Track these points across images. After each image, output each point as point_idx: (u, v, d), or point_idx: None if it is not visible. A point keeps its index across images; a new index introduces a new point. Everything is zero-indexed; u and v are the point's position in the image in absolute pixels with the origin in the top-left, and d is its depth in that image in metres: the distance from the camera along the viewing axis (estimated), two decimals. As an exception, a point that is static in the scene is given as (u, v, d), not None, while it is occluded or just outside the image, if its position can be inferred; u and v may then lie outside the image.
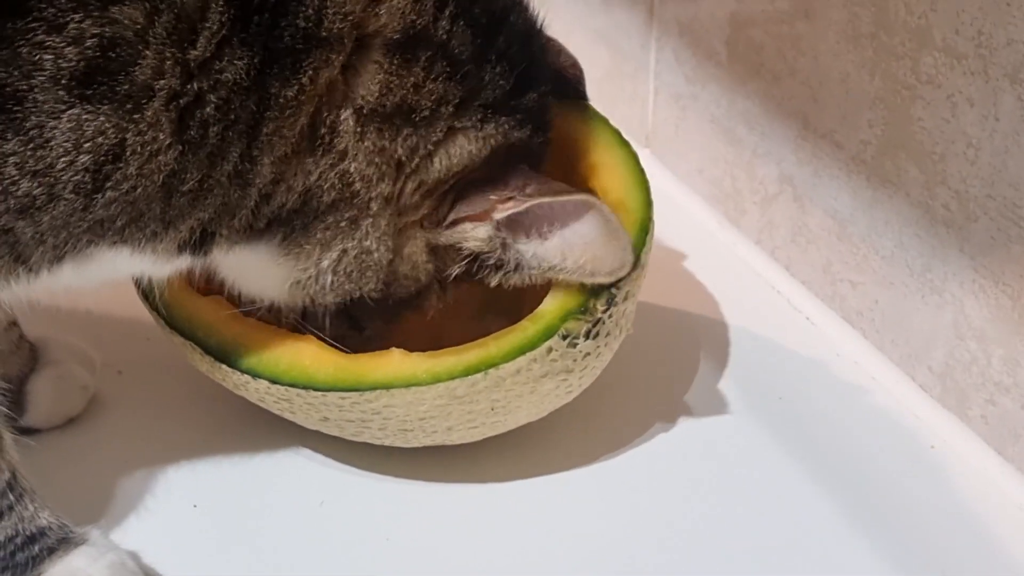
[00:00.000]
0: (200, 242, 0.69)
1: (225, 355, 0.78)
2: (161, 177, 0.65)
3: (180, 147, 0.64)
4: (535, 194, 0.71)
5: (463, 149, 0.71)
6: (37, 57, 0.61)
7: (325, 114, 0.68)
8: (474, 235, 0.72)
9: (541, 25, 0.77)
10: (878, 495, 0.81)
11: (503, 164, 0.73)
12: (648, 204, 0.81)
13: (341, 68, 0.68)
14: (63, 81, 0.61)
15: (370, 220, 0.71)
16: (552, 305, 0.76)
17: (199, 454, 0.84)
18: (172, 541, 0.77)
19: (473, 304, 0.91)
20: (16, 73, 0.61)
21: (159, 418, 0.87)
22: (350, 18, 0.67)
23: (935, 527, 0.79)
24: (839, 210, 0.94)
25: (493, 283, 0.75)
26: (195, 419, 0.86)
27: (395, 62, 0.68)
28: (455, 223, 0.72)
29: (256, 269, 0.74)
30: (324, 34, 0.66)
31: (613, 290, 0.76)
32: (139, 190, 0.65)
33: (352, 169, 0.69)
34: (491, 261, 0.74)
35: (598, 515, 0.81)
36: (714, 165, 1.08)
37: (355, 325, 0.78)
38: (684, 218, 1.09)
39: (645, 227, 0.80)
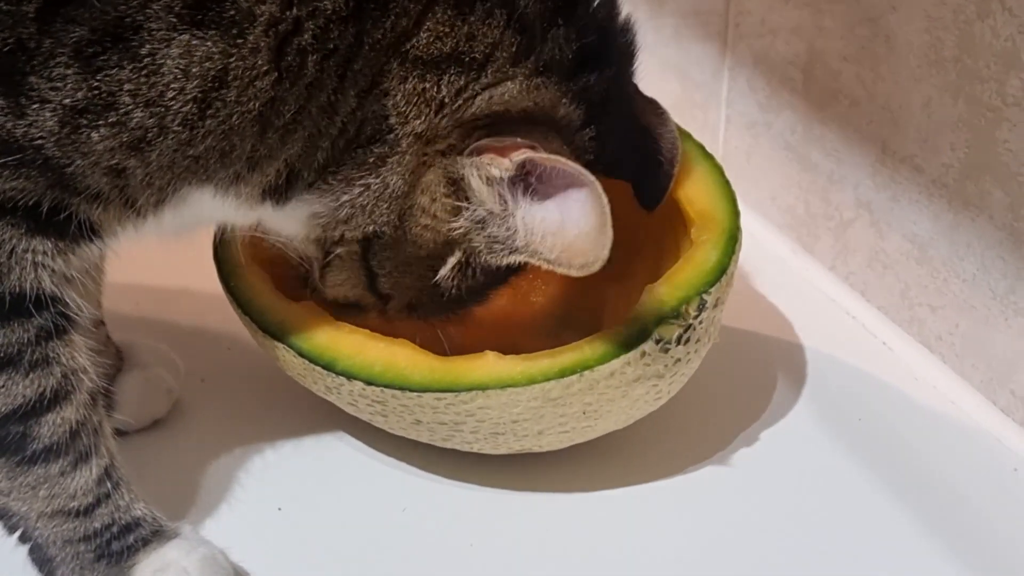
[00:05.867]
0: (285, 185, 0.71)
1: (320, 358, 0.79)
2: (257, 105, 0.67)
3: (277, 73, 0.67)
4: (554, 153, 0.70)
5: (507, 91, 0.71)
6: None
7: (388, 58, 0.70)
8: (487, 171, 0.71)
9: (627, 20, 0.77)
10: (959, 518, 0.81)
11: (540, 126, 0.72)
12: (736, 214, 0.82)
13: (416, 17, 0.69)
14: (176, 9, 0.64)
15: (397, 156, 0.72)
16: (646, 309, 0.76)
17: (283, 459, 0.84)
18: (257, 542, 0.77)
19: (549, 320, 0.92)
20: (134, 4, 0.64)
21: (243, 424, 0.87)
22: None
23: (1017, 551, 0.79)
24: (918, 234, 0.94)
25: (484, 253, 0.74)
26: (278, 426, 0.87)
27: (448, 13, 0.70)
28: (477, 151, 0.72)
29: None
30: None
31: (705, 296, 0.77)
32: (235, 118, 0.67)
33: (389, 105, 0.71)
34: (483, 220, 0.73)
35: (679, 528, 0.81)
36: (787, 192, 1.09)
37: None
38: (756, 245, 1.09)
39: (734, 237, 0.80)
